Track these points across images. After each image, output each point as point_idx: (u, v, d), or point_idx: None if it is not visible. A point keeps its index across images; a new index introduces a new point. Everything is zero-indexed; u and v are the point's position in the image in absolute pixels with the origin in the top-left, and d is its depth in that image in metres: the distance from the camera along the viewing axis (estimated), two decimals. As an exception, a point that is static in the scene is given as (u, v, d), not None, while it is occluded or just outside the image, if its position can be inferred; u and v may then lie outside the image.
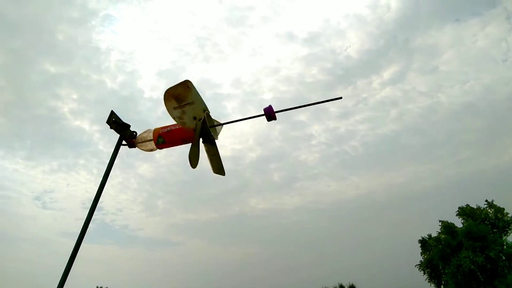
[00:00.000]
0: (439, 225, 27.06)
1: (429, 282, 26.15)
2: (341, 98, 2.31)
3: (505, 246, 23.29)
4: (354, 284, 61.82)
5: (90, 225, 2.00)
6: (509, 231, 24.24)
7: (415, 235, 30.46)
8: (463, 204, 26.98)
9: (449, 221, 26.84)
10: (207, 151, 2.23)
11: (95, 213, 2.01)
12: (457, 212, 26.88)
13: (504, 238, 24.03)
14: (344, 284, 63.55)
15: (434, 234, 27.27)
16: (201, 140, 2.13)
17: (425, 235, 28.06)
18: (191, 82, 1.93)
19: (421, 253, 27.56)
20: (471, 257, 22.40)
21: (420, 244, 27.97)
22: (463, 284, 22.76)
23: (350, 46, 59.12)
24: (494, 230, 24.05)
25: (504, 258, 22.78)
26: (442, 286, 25.46)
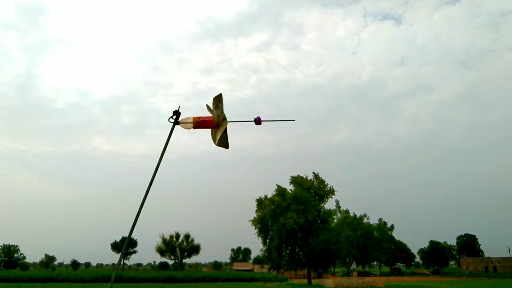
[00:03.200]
0: (275, 188, 30.95)
1: (257, 235, 30.01)
2: (294, 120, 3.70)
3: (321, 212, 28.74)
4: (189, 233, 65.24)
5: None
6: (326, 200, 29.93)
7: (254, 194, 34.10)
8: (296, 174, 31.57)
9: (283, 186, 31.00)
10: (215, 133, 3.25)
11: None
12: (290, 180, 31.20)
13: (321, 205, 29.56)
14: (180, 233, 66.25)
15: (269, 195, 31.07)
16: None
17: (262, 195, 31.71)
18: (221, 95, 3.07)
19: (256, 211, 31.11)
20: (295, 218, 26.72)
21: (257, 203, 31.45)
22: (285, 239, 27.13)
23: (224, 2, 58.25)
24: (316, 198, 29.24)
25: (319, 221, 28.14)
26: (268, 240, 29.70)
